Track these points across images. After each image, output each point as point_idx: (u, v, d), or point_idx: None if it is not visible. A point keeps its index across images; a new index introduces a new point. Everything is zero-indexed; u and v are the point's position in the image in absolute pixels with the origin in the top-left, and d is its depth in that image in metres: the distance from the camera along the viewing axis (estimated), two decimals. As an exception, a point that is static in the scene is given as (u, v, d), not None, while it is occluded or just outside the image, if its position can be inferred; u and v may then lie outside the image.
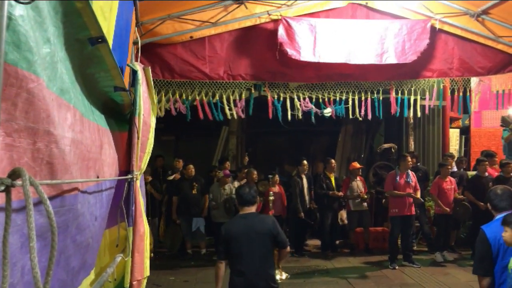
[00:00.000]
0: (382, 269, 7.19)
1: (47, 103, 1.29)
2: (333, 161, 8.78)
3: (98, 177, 2.07)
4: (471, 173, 8.22)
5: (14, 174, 0.97)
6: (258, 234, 3.49)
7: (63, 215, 1.54)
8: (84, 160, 1.76)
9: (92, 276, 2.30)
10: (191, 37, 5.99)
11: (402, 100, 6.82)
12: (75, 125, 1.65)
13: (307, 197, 8.63)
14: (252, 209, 3.62)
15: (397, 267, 7.15)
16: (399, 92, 6.79)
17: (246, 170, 8.44)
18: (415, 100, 6.83)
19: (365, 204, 8.49)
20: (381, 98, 6.70)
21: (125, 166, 3.09)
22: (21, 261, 1.19)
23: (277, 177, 8.53)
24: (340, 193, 8.45)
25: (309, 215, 8.77)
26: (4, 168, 1.09)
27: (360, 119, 6.76)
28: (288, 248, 3.74)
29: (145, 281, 3.23)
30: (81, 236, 1.77)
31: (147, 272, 3.21)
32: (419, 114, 6.93)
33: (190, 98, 6.23)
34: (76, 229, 1.69)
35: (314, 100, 6.59)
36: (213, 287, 6.48)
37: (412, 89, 6.80)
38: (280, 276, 3.74)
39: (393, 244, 7.43)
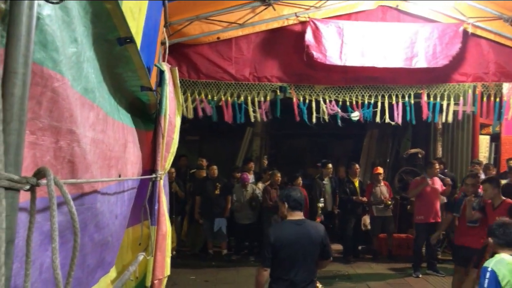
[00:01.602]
0: (405, 277, 7.05)
1: (71, 102, 1.29)
2: (357, 165, 8.68)
3: (120, 176, 2.07)
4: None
5: (39, 174, 0.97)
6: (312, 242, 3.28)
7: (82, 213, 1.54)
8: (105, 159, 1.76)
9: (112, 274, 2.32)
10: (218, 38, 6.01)
11: (434, 105, 6.64)
12: (97, 124, 1.65)
13: (329, 201, 8.56)
14: (301, 214, 3.39)
15: (420, 276, 7.01)
16: (431, 96, 6.62)
17: (270, 172, 8.43)
18: (448, 106, 6.65)
19: (389, 210, 8.34)
20: (412, 102, 6.55)
21: (150, 165, 3.11)
22: (39, 259, 1.19)
23: (300, 180, 8.47)
24: (364, 199, 8.34)
25: (330, 218, 8.69)
26: (27, 166, 1.10)
27: (393, 123, 6.62)
28: (331, 258, 3.58)
29: (165, 280, 3.24)
30: (100, 234, 1.77)
31: (167, 271, 3.21)
32: (450, 119, 6.73)
33: (215, 99, 6.24)
34: (94, 228, 1.69)
35: (340, 103, 6.50)
36: (233, 287, 6.50)
37: (445, 94, 6.62)
38: (317, 285, 3.59)
39: (418, 251, 7.28)
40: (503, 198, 5.09)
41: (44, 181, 0.97)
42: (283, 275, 3.27)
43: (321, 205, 5.60)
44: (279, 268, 3.30)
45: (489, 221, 5.09)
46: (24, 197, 1.01)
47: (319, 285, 3.53)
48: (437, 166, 7.34)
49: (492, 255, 3.73)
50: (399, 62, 6.09)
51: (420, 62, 6.08)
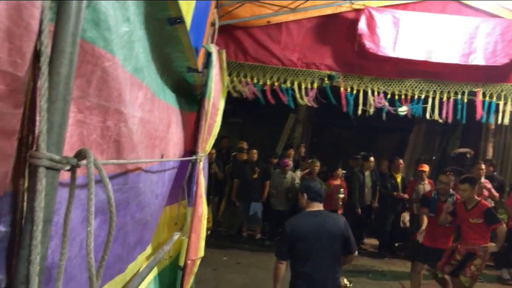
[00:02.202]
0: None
1: (120, 82, 1.28)
2: (400, 160, 8.43)
3: (162, 156, 2.08)
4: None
5: (80, 154, 0.96)
6: (330, 234, 3.18)
7: (125, 192, 1.55)
8: (150, 139, 1.76)
9: (148, 251, 2.35)
10: (268, 22, 5.92)
11: (489, 104, 6.29)
12: (145, 104, 1.65)
13: (368, 195, 8.40)
14: (320, 206, 3.32)
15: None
16: (487, 95, 6.27)
17: (310, 161, 8.34)
18: (504, 106, 6.28)
19: (431, 209, 8.07)
20: (465, 100, 6.23)
21: (191, 146, 3.12)
22: (80, 236, 1.20)
23: (340, 171, 8.35)
24: (405, 195, 8.11)
25: (368, 212, 8.53)
26: (74, 144, 1.10)
27: (441, 121, 6.34)
28: (356, 253, 3.39)
29: (198, 261, 3.27)
30: (141, 213, 1.79)
31: (201, 253, 3.24)
32: (507, 121, 6.36)
33: (261, 82, 6.18)
34: (136, 207, 1.71)
35: (389, 95, 6.27)
36: (263, 273, 6.53)
37: (502, 94, 6.25)
38: (343, 281, 3.49)
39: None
40: (477, 199, 4.94)
41: (84, 161, 0.96)
42: (301, 268, 3.20)
43: (341, 195, 5.47)
44: (297, 261, 3.24)
45: (461, 223, 5.02)
46: (68, 175, 1.01)
47: (346, 282, 3.43)
48: (482, 167, 7.00)
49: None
50: (455, 58, 5.79)
51: (478, 59, 5.76)
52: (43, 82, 0.86)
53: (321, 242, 3.16)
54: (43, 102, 0.87)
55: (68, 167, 0.93)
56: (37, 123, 0.89)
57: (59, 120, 0.90)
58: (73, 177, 0.97)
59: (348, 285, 3.43)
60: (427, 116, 6.26)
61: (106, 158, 1.30)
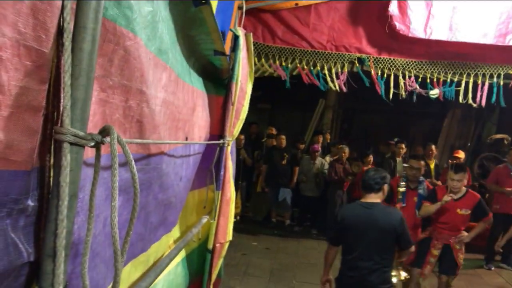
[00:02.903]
0: (475, 268, 6.68)
1: (142, 62, 1.28)
2: (433, 146, 8.22)
3: (186, 138, 2.08)
4: None
5: (104, 131, 0.97)
6: (381, 229, 3.13)
7: (147, 172, 1.56)
8: (173, 121, 1.77)
9: (175, 233, 2.38)
10: (296, 4, 5.83)
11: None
12: (169, 86, 1.65)
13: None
14: (376, 198, 3.24)
15: (493, 268, 6.61)
16: (522, 79, 6.00)
17: (339, 147, 8.26)
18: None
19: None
20: (501, 83, 5.98)
21: (219, 130, 3.12)
22: (104, 213, 1.22)
23: (371, 157, 8.22)
24: (438, 182, 7.91)
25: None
26: (97, 122, 1.11)
27: (474, 105, 6.12)
28: (413, 248, 3.34)
29: (227, 244, 3.29)
30: (164, 194, 1.80)
31: (229, 236, 3.26)
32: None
33: (290, 66, 6.11)
34: (159, 188, 1.72)
35: (420, 79, 6.09)
36: (292, 259, 6.55)
37: (540, 77, 5.97)
38: (399, 276, 3.43)
39: (492, 243, 6.83)
40: (466, 189, 4.62)
41: (109, 139, 0.97)
42: (347, 256, 3.24)
43: (402, 189, 5.18)
44: (345, 249, 3.28)
45: (447, 212, 4.57)
46: (92, 152, 1.02)
47: (401, 273, 3.36)
48: None
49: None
50: (490, 39, 5.56)
51: (515, 40, 5.52)
52: (66, 58, 0.87)
53: (370, 235, 3.15)
54: (66, 78, 0.87)
55: (92, 143, 0.94)
56: (61, 99, 0.90)
57: (82, 96, 0.91)
58: (97, 154, 0.98)
59: (401, 278, 3.38)
60: (460, 99, 6.05)
61: (129, 137, 1.31)
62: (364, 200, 3.26)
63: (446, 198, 4.39)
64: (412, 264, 4.66)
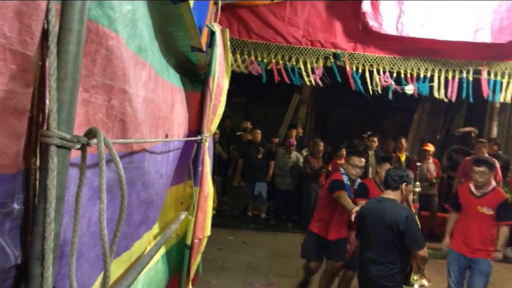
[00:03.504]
0: (445, 257, 6.90)
1: (124, 61, 1.28)
2: (403, 140, 8.44)
3: (167, 136, 2.09)
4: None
5: (90, 133, 0.97)
6: (385, 223, 3.20)
7: (130, 171, 1.57)
8: (154, 119, 1.77)
9: (154, 230, 2.38)
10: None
11: (494, 82, 6.23)
12: (149, 84, 1.65)
13: (372, 174, 8.43)
14: (393, 195, 3.31)
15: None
16: (492, 74, 6.21)
17: (312, 141, 8.37)
18: (508, 84, 6.22)
19: (434, 188, 8.10)
20: (471, 78, 6.17)
21: (196, 126, 3.12)
22: (88, 213, 1.22)
23: (343, 151, 8.37)
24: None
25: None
26: (80, 122, 1.11)
27: (446, 100, 6.30)
28: (422, 252, 3.22)
29: (205, 240, 3.31)
30: (146, 192, 1.81)
31: (208, 232, 3.28)
32: (509, 99, 6.31)
33: (265, 60, 6.12)
34: (141, 186, 1.72)
35: (395, 74, 6.22)
36: (268, 252, 6.61)
37: (506, 72, 6.18)
38: (420, 283, 3.43)
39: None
40: (493, 185, 4.36)
41: (94, 140, 0.97)
42: (361, 246, 3.47)
43: (417, 189, 5.00)
44: (361, 239, 3.50)
45: (468, 211, 4.34)
46: (75, 153, 1.02)
47: (423, 280, 3.36)
48: (483, 146, 7.02)
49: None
50: (461, 35, 5.73)
51: (485, 36, 5.69)
52: (52, 61, 0.87)
53: (375, 227, 3.28)
54: (52, 81, 0.87)
55: (78, 146, 0.94)
56: (47, 102, 0.90)
57: (68, 99, 0.91)
58: (83, 156, 0.98)
59: (423, 285, 3.38)
60: (435, 94, 6.21)
61: (111, 137, 1.31)
62: (382, 195, 3.43)
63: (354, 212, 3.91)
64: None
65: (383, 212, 3.25)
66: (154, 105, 1.79)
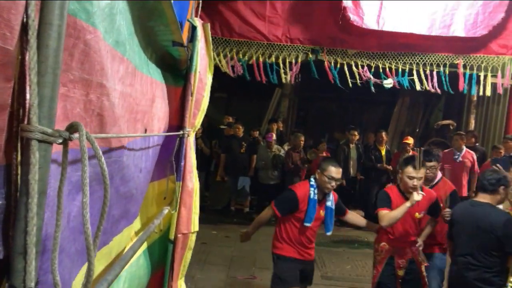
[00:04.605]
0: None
1: (102, 55, 1.28)
2: (383, 133, 8.57)
3: (146, 130, 2.08)
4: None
5: (72, 128, 0.97)
6: (480, 227, 3.11)
7: (109, 166, 1.55)
8: (132, 113, 1.76)
9: (136, 225, 2.37)
10: (251, -5, 5.87)
11: (470, 76, 6.37)
12: (126, 78, 1.64)
13: (353, 167, 8.53)
14: (488, 199, 3.19)
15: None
16: (467, 67, 6.35)
17: (294, 135, 8.42)
18: (485, 78, 6.36)
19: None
20: (447, 72, 6.30)
21: (178, 121, 3.11)
22: (67, 208, 1.22)
23: (324, 145, 8.45)
24: (389, 167, 8.26)
25: (353, 184, 8.69)
26: (58, 117, 1.10)
27: (433, 90, 6.41)
28: None
29: (194, 236, 3.28)
30: (125, 187, 1.80)
31: (195, 227, 3.26)
32: (488, 92, 6.45)
33: (246, 57, 6.15)
34: (120, 180, 1.71)
35: (373, 68, 6.31)
36: (251, 245, 6.65)
37: (482, 65, 6.33)
38: None
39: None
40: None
41: (76, 135, 0.97)
42: (455, 252, 3.38)
43: None
44: (454, 244, 3.43)
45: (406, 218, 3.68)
46: (55, 148, 1.02)
47: None
48: (461, 139, 7.19)
49: None
50: (436, 30, 5.85)
51: (458, 31, 5.83)
52: (32, 56, 0.87)
53: (470, 232, 3.19)
54: (33, 76, 0.87)
55: (60, 140, 0.94)
56: (28, 97, 0.89)
57: (49, 94, 0.91)
58: (65, 150, 0.98)
59: None
60: (417, 86, 6.32)
61: (90, 132, 1.30)
62: (475, 198, 3.33)
63: (417, 197, 3.43)
64: None
65: (476, 216, 3.17)
66: (132, 100, 1.78)
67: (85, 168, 0.93)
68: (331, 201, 3.77)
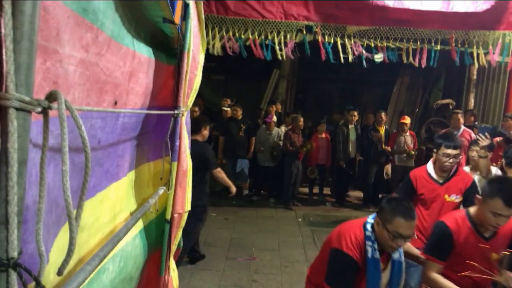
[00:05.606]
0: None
1: (59, 21, 1.24)
2: (383, 113, 8.54)
3: (116, 102, 1.99)
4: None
5: (51, 97, 0.95)
6: None
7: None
8: (97, 83, 1.70)
9: (97, 197, 2.21)
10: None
11: (463, 52, 6.33)
12: (93, 47, 1.58)
13: (352, 148, 8.52)
14: None
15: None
16: (459, 43, 6.29)
17: (293, 116, 8.38)
18: (478, 54, 6.31)
19: (412, 160, 8.24)
20: (438, 48, 6.25)
21: (171, 101, 3.08)
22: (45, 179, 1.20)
23: (323, 126, 8.43)
24: (387, 147, 8.25)
25: (352, 165, 8.70)
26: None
27: (416, 65, 6.37)
28: None
29: (186, 215, 3.31)
30: (80, 158, 1.73)
31: (188, 207, 3.28)
32: (484, 63, 6.39)
33: (243, 37, 6.10)
34: (74, 151, 1.65)
35: (365, 44, 6.27)
36: (250, 227, 6.69)
37: (474, 41, 6.27)
38: None
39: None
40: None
41: (55, 104, 0.95)
42: None
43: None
44: None
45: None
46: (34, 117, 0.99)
47: None
48: (459, 117, 7.14)
49: None
50: (436, 5, 5.79)
51: (459, 6, 5.77)
52: (6, 22, 0.84)
53: None
54: (8, 43, 0.85)
55: (39, 109, 0.92)
56: (4, 64, 0.87)
57: (26, 61, 0.89)
58: (45, 120, 0.96)
59: None
60: (405, 61, 6.29)
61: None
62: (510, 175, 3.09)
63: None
64: None
65: None
66: (99, 69, 1.72)
67: (65, 136, 0.92)
68: (399, 252, 2.60)
